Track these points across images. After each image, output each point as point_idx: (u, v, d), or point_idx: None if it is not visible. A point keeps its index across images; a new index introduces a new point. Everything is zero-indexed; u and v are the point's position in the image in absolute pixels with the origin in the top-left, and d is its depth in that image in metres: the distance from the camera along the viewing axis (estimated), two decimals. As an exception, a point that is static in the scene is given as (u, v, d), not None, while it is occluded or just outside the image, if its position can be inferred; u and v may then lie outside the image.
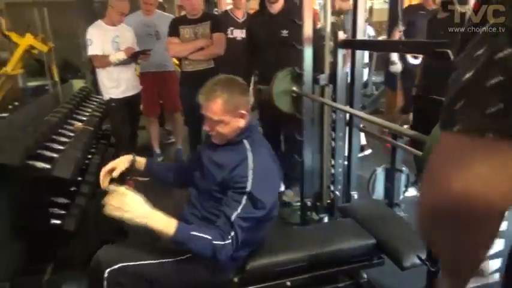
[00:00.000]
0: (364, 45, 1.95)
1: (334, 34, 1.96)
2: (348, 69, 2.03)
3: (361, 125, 2.02)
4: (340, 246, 1.50)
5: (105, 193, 1.27)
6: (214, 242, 1.25)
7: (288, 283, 1.46)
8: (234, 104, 1.38)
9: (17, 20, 6.92)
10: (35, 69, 5.21)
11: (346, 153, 2.10)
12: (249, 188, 1.30)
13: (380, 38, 7.00)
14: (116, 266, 1.30)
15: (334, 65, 1.99)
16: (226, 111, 1.37)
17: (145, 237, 1.38)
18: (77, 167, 1.92)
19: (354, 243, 1.52)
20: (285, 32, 2.55)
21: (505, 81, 0.37)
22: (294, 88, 2.16)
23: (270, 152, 1.48)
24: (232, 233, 1.26)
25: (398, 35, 3.05)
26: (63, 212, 1.74)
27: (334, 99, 2.01)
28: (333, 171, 2.14)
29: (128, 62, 3.08)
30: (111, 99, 3.08)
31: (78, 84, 5.45)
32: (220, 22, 3.17)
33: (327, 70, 2.06)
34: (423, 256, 1.25)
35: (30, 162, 1.70)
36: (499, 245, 1.07)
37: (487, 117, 0.38)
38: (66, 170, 1.75)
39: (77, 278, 1.68)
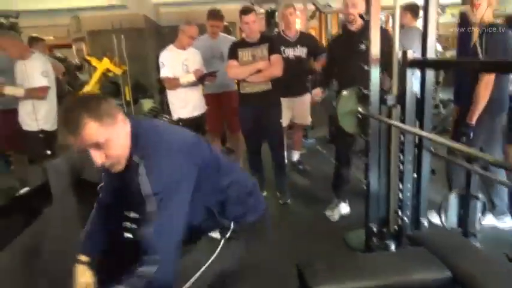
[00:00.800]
0: (437, 65, 1.85)
1: (403, 53, 1.90)
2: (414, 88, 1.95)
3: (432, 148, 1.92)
4: (412, 278, 1.41)
5: None
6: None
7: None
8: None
9: (95, 46, 7.59)
10: (110, 90, 5.64)
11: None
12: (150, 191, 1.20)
13: (448, 54, 6.69)
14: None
15: (402, 85, 1.93)
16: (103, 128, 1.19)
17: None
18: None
19: (427, 275, 1.42)
20: (362, 47, 2.51)
21: None
22: (360, 109, 2.11)
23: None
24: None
25: None
26: (134, 226, 1.83)
27: (402, 120, 1.93)
28: (400, 195, 2.04)
29: (196, 84, 3.24)
30: (180, 119, 3.24)
31: (147, 104, 5.81)
32: (277, 44, 3.22)
33: (395, 90, 1.99)
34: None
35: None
36: None
37: None
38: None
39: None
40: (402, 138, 1.96)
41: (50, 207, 1.86)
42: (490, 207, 2.63)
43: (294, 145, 4.23)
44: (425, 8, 1.82)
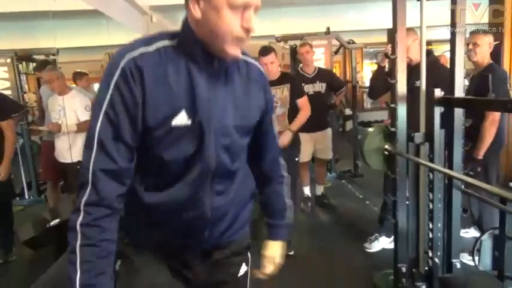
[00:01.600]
0: (466, 104, 1.84)
1: (430, 91, 1.90)
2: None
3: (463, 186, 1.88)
4: (445, 325, 1.35)
5: None
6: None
7: None
8: None
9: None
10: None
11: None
12: None
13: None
14: None
15: (430, 123, 1.91)
16: None
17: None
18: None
19: (461, 322, 1.36)
20: (418, 83, 2.50)
21: None
22: (387, 146, 2.10)
23: None
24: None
25: None
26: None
27: (431, 158, 1.91)
28: (430, 235, 1.98)
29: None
30: None
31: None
32: (299, 84, 3.24)
33: (423, 128, 1.98)
34: None
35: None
36: None
37: None
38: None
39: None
40: (431, 176, 1.93)
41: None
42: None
43: (317, 179, 4.20)
44: (452, 45, 1.83)
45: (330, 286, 2.54)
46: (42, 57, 5.03)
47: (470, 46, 2.67)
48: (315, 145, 3.85)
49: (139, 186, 0.99)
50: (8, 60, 4.79)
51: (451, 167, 1.84)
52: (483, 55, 2.68)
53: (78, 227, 0.88)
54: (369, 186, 4.41)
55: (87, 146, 0.90)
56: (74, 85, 4.62)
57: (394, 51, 2.01)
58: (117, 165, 0.90)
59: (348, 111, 6.46)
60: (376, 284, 2.48)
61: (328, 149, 4.01)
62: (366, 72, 11.00)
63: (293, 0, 5.26)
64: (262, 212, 1.28)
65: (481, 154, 2.55)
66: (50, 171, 3.76)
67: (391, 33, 2.02)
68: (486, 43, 2.66)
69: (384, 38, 4.67)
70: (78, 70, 4.85)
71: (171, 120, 0.91)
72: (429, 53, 2.65)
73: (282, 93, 2.97)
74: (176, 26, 1.00)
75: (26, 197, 4.82)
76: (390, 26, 2.02)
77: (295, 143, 3.11)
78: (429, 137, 1.91)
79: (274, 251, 1.25)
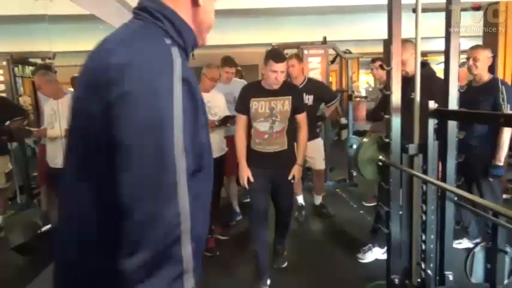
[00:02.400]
0: (459, 116, 1.85)
1: (425, 104, 1.91)
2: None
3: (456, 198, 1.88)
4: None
5: None
6: None
7: None
8: None
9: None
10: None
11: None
12: None
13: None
14: None
15: (424, 135, 1.92)
16: None
17: None
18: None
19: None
20: (413, 94, 2.31)
21: None
22: (381, 157, 2.11)
23: None
24: None
25: None
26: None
27: (424, 170, 1.91)
28: (423, 247, 1.98)
29: (218, 126, 3.30)
30: None
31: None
32: (301, 97, 2.96)
33: (417, 139, 1.99)
34: None
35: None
36: None
37: None
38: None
39: None
40: (424, 187, 1.93)
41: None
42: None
43: (315, 190, 4.20)
44: (446, 57, 1.85)
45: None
46: (38, 60, 5.01)
47: (471, 61, 2.82)
48: (306, 155, 3.83)
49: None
50: (4, 63, 4.77)
51: (444, 179, 1.85)
52: (483, 68, 2.83)
53: None
54: (363, 196, 4.41)
55: None
56: (71, 89, 4.60)
57: (389, 63, 2.02)
58: None
59: (343, 120, 6.48)
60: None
61: (320, 159, 3.98)
62: (361, 82, 11.07)
63: (291, 9, 5.28)
64: None
65: (502, 160, 2.77)
66: (45, 176, 3.73)
67: (387, 45, 2.04)
68: (485, 57, 2.82)
69: (380, 48, 4.71)
70: (76, 75, 4.84)
71: None
72: (425, 64, 2.67)
73: (282, 107, 2.54)
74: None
75: (18, 201, 4.77)
76: (386, 36, 2.04)
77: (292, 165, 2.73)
78: (423, 148, 1.91)
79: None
